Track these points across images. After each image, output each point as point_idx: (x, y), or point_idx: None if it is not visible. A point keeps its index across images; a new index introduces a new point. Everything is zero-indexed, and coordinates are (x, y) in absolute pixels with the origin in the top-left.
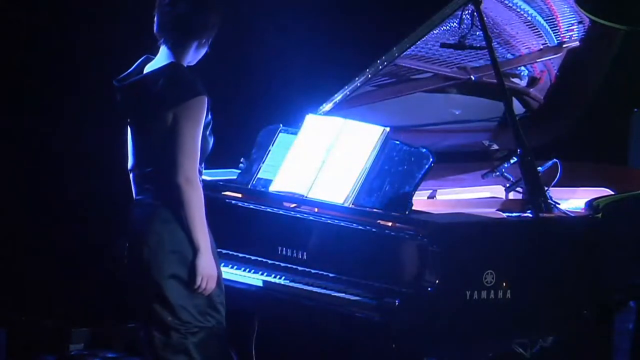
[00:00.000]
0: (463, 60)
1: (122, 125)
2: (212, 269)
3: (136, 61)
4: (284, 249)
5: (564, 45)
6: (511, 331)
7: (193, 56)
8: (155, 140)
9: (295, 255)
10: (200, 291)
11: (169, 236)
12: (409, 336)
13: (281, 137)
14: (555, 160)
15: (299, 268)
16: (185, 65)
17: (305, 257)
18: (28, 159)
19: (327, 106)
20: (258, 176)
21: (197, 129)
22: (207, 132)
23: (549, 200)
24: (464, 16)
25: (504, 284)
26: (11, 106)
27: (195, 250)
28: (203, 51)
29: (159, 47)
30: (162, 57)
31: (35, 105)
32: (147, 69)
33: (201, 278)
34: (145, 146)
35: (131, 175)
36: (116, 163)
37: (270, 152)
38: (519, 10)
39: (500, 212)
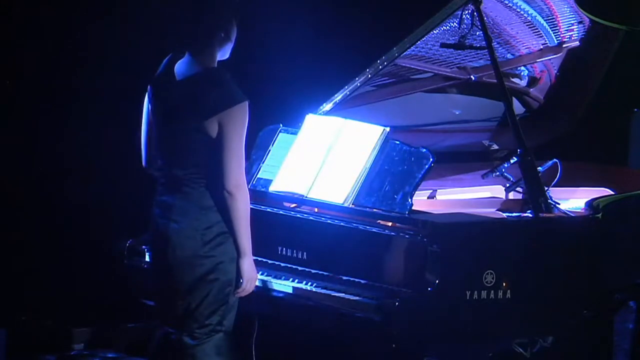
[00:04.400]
0: (463, 60)
1: (135, 124)
2: (254, 272)
3: (135, 61)
4: (284, 249)
5: (564, 45)
6: (511, 331)
7: (221, 53)
8: (196, 144)
9: (295, 255)
10: (242, 293)
11: (202, 239)
12: (409, 336)
13: (281, 137)
14: (555, 160)
15: (299, 268)
16: (218, 63)
17: (305, 257)
18: (28, 159)
19: (327, 106)
20: (258, 176)
21: (242, 135)
22: None
23: (549, 200)
24: (464, 16)
25: (504, 284)
26: (11, 106)
27: (234, 254)
28: (228, 45)
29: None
30: (194, 62)
31: (35, 105)
32: (178, 67)
33: (246, 281)
34: (183, 148)
35: (157, 174)
36: (117, 163)
37: (270, 152)
38: (519, 10)
39: (500, 212)
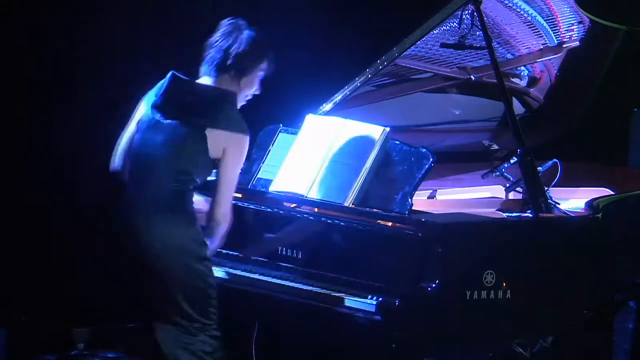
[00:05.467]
0: (463, 60)
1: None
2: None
3: (134, 61)
4: (284, 249)
5: (564, 45)
6: (511, 331)
7: (243, 90)
8: (192, 148)
9: (295, 255)
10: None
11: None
12: (409, 336)
13: (281, 137)
14: (555, 160)
15: (299, 268)
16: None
17: (305, 257)
18: (28, 158)
19: (327, 106)
20: (258, 176)
21: (240, 167)
22: None
23: (549, 200)
24: (464, 16)
25: (504, 284)
26: (11, 106)
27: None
28: (249, 90)
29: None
30: (214, 81)
31: (36, 104)
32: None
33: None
34: (181, 151)
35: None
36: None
37: (270, 152)
38: (519, 10)
39: (500, 212)
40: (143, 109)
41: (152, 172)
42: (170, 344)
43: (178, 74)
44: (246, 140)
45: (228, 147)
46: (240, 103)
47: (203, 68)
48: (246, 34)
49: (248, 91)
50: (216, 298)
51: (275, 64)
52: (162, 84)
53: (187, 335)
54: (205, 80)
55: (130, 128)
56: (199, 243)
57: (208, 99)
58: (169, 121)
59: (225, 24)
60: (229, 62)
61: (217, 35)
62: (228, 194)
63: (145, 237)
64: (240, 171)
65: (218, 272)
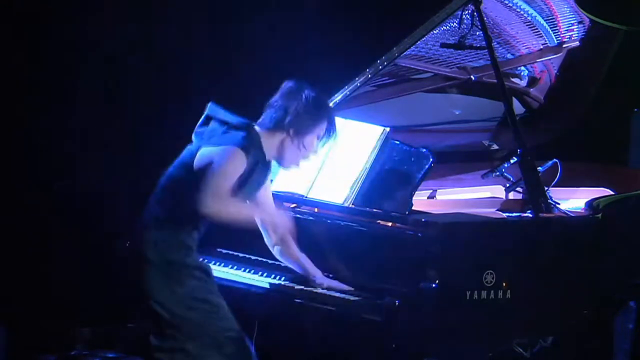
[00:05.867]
0: (463, 60)
1: (136, 124)
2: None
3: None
4: None
5: (564, 45)
6: (511, 331)
7: (279, 152)
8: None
9: None
10: None
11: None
12: (409, 336)
13: None
14: (555, 160)
15: None
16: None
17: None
18: (28, 158)
19: None
20: None
21: (225, 175)
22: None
23: (549, 200)
24: (464, 16)
25: (504, 284)
26: (11, 105)
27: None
28: (306, 151)
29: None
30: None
31: (34, 104)
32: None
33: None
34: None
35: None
36: (117, 163)
37: None
38: (519, 10)
39: (500, 212)
40: None
41: None
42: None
43: (214, 105)
44: (232, 151)
45: (213, 155)
46: (293, 164)
47: (259, 126)
48: (307, 93)
49: (306, 152)
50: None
51: (334, 128)
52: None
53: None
54: (261, 129)
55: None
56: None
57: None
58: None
59: (287, 85)
60: (287, 120)
61: (277, 96)
62: (211, 186)
63: None
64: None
65: (218, 272)
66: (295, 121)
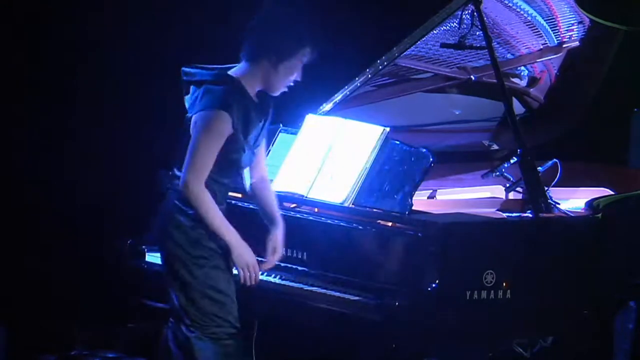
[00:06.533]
0: (463, 60)
1: (135, 124)
2: (246, 259)
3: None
4: (284, 249)
5: (564, 45)
6: (511, 331)
7: (265, 82)
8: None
9: (295, 255)
10: (247, 283)
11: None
12: (409, 336)
13: (281, 137)
14: (555, 160)
15: (299, 268)
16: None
17: (305, 257)
18: (27, 158)
19: (327, 106)
20: None
21: (208, 141)
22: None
23: (549, 200)
24: (464, 16)
25: (504, 284)
26: (11, 105)
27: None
28: (278, 78)
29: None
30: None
31: (34, 104)
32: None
33: (241, 270)
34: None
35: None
36: (117, 163)
37: (270, 152)
38: (519, 10)
39: (500, 212)
40: None
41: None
42: (172, 340)
43: (187, 69)
44: (215, 114)
45: (197, 120)
46: (281, 90)
47: (239, 69)
48: (278, 15)
49: (293, 76)
50: (224, 302)
51: (318, 42)
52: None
53: (184, 330)
54: (241, 67)
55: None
56: (184, 242)
57: (202, 90)
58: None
59: (258, 15)
60: (263, 49)
61: (250, 27)
62: (192, 165)
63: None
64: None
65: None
66: (273, 48)
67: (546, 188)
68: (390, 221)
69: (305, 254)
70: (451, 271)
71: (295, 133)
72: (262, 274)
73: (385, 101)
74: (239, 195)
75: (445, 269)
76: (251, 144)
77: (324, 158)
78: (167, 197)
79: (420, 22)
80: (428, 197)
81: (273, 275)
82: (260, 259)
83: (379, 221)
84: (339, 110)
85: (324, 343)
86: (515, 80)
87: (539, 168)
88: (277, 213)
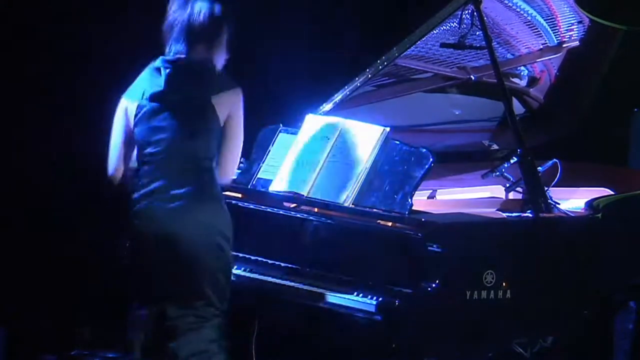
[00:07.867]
0: (463, 60)
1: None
2: None
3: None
4: (284, 249)
5: (564, 45)
6: (511, 331)
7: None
8: (207, 125)
9: (295, 255)
10: None
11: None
12: (409, 336)
13: (281, 137)
14: (555, 160)
15: (299, 268)
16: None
17: (304, 257)
18: (26, 158)
19: (327, 106)
20: (258, 176)
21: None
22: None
23: (549, 200)
24: (464, 16)
25: (504, 284)
26: (12, 105)
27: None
28: (223, 57)
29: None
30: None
31: (34, 104)
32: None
33: None
34: (196, 130)
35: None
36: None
37: (270, 152)
38: (519, 10)
39: (500, 212)
40: (131, 105)
41: (171, 158)
42: (179, 331)
43: (168, 58)
44: (241, 92)
45: (234, 103)
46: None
47: (174, 47)
48: (200, 4)
49: (223, 58)
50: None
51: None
52: (149, 74)
53: (200, 320)
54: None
55: (119, 131)
56: (226, 222)
57: (200, 70)
58: (174, 104)
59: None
60: (196, 34)
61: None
62: (239, 148)
63: (175, 222)
64: (239, 170)
65: None
66: (204, 32)
67: (546, 188)
68: (390, 221)
69: (305, 254)
70: (451, 271)
71: (295, 133)
72: (262, 274)
73: (385, 101)
74: (239, 195)
75: (445, 269)
76: None
77: (324, 158)
78: (201, 184)
79: (420, 22)
80: (428, 197)
81: (273, 276)
82: (260, 259)
83: (379, 221)
84: (339, 110)
85: (324, 343)
86: (515, 80)
87: (539, 168)
88: None
